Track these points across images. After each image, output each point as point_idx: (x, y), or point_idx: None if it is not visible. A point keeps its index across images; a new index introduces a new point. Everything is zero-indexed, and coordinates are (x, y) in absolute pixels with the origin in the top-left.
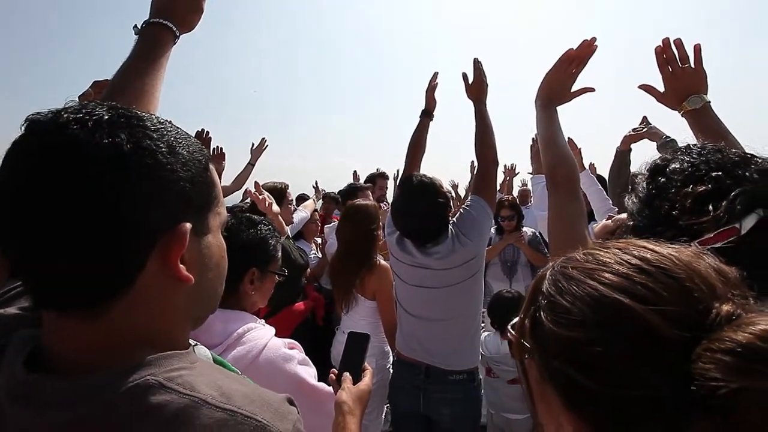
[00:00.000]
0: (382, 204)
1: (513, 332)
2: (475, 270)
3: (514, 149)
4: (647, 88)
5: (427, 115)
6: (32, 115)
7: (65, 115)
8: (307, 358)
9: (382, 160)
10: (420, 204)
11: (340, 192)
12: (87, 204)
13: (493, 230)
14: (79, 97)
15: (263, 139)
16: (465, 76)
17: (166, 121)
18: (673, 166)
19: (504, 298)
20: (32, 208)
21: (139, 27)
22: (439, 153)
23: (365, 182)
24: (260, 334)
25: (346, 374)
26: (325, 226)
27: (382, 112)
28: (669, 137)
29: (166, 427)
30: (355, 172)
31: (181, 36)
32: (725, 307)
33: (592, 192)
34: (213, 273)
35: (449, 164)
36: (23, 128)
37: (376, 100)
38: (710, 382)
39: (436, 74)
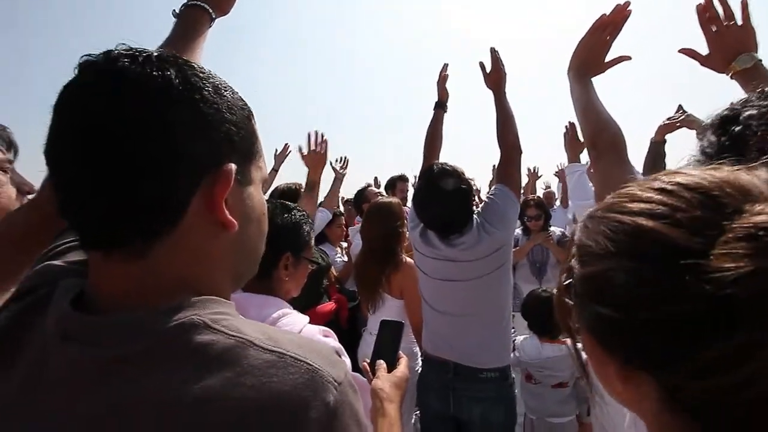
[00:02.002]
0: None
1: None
2: (503, 261)
3: (535, 151)
4: (689, 53)
5: (440, 106)
6: (84, 55)
7: (116, 52)
8: (341, 347)
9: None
10: (442, 193)
11: (356, 196)
12: (135, 132)
13: (519, 231)
14: None
15: (286, 144)
16: (482, 66)
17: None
18: (749, 112)
19: (539, 297)
20: (81, 138)
21: (178, 11)
22: (457, 156)
23: (386, 186)
24: (295, 320)
25: (381, 362)
26: (350, 228)
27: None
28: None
29: (212, 366)
30: (375, 178)
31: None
32: (759, 206)
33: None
34: (254, 227)
35: (468, 168)
36: (76, 68)
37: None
38: (723, 273)
39: (446, 65)
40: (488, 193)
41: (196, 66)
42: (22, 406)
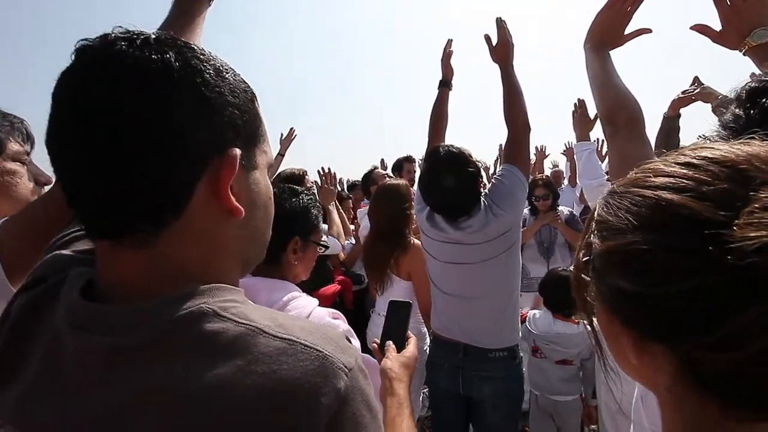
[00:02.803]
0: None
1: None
2: (512, 242)
3: (542, 129)
4: (701, 28)
5: (445, 85)
6: (81, 40)
7: (113, 35)
8: (351, 329)
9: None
10: (449, 176)
11: (364, 178)
12: (136, 118)
13: (527, 211)
14: None
15: (291, 129)
16: (488, 38)
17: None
18: None
19: (558, 275)
20: (81, 124)
21: None
22: (463, 135)
23: (393, 168)
24: (304, 303)
25: (389, 342)
26: (357, 210)
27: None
28: (727, 96)
29: (223, 354)
30: (382, 160)
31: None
32: None
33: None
34: (261, 212)
35: (473, 147)
36: (72, 53)
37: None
38: (745, 243)
39: (450, 41)
40: (495, 173)
41: (196, 48)
42: (35, 398)
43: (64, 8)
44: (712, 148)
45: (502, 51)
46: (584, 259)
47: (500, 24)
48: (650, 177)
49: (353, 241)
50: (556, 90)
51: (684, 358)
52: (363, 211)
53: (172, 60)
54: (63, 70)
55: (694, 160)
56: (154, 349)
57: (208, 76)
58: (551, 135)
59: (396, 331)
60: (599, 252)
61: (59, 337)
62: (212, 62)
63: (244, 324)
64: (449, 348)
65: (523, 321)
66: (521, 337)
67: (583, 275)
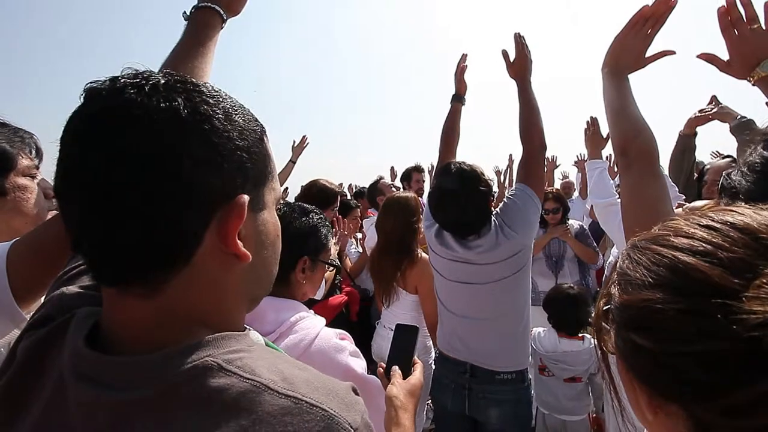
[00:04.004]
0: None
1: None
2: (522, 264)
3: (553, 138)
4: (708, 57)
5: (458, 99)
6: (90, 82)
7: (122, 80)
8: (357, 350)
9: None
10: (459, 195)
11: (369, 189)
12: (144, 169)
13: None
14: None
15: (304, 136)
16: (506, 54)
17: (221, 89)
18: None
19: (563, 293)
20: (90, 174)
21: (188, 13)
22: (474, 146)
23: (402, 177)
24: (312, 323)
25: (395, 368)
26: (364, 220)
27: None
28: (744, 117)
29: (227, 414)
30: (392, 168)
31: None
32: None
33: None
34: (269, 251)
35: (484, 159)
36: (82, 96)
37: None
38: (749, 316)
39: (464, 56)
40: (509, 193)
41: (205, 90)
42: None
43: (64, 16)
44: (736, 212)
45: (520, 67)
46: (605, 308)
47: (518, 39)
48: (671, 236)
49: (360, 250)
50: (568, 98)
51: (697, 420)
52: (369, 221)
53: (181, 107)
54: (72, 113)
55: (716, 224)
56: (158, 405)
57: (217, 122)
58: (562, 144)
59: (402, 356)
60: (618, 304)
61: (63, 386)
62: (221, 104)
63: (249, 380)
64: (455, 367)
65: None
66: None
67: (603, 323)
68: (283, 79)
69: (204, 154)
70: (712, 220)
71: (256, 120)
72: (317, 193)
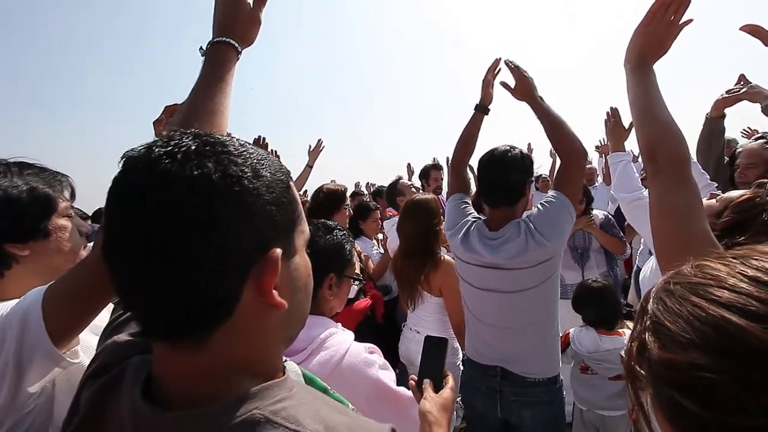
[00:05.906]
0: (439, 196)
1: (624, 356)
2: (552, 272)
3: (575, 124)
4: (752, 29)
5: (482, 110)
6: (128, 151)
7: (156, 150)
8: (386, 362)
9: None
10: (506, 161)
11: (389, 189)
12: (184, 236)
13: None
14: (153, 123)
15: (319, 140)
16: (506, 85)
17: (246, 143)
18: None
19: (589, 288)
20: (136, 244)
21: (204, 48)
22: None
23: (420, 175)
24: (342, 339)
25: (427, 381)
26: (384, 221)
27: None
28: None
29: None
30: (409, 164)
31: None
32: None
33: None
34: (301, 293)
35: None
36: (120, 164)
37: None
38: None
39: (497, 60)
40: (544, 199)
41: (233, 149)
42: None
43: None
44: None
45: (523, 89)
46: (638, 354)
47: (510, 66)
48: (712, 287)
49: (381, 251)
50: (591, 84)
51: None
52: (390, 222)
53: (212, 172)
54: (113, 183)
55: (763, 276)
56: None
57: (246, 181)
58: (584, 129)
59: (433, 368)
60: (658, 360)
61: None
62: (249, 162)
63: (294, 431)
64: (485, 370)
65: (566, 343)
66: (570, 356)
67: (636, 368)
68: (296, 77)
69: (236, 216)
70: (759, 270)
71: (282, 168)
72: (325, 199)
